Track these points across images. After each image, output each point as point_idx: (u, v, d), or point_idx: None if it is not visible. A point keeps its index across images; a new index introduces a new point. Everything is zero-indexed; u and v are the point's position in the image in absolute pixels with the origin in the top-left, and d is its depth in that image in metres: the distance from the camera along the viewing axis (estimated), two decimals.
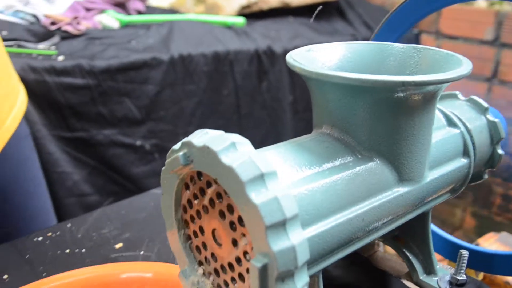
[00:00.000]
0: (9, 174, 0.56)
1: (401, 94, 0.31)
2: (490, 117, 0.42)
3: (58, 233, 0.56)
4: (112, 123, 1.05)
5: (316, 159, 0.31)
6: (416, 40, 1.68)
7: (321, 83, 0.33)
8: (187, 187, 0.32)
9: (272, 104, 1.35)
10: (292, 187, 0.29)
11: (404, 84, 0.29)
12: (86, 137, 1.02)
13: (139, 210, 0.60)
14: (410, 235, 0.42)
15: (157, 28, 1.28)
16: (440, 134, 0.38)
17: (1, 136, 0.54)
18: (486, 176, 0.44)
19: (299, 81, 1.38)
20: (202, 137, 0.29)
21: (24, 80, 0.91)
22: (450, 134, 0.38)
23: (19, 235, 0.57)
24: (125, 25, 1.32)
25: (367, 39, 1.49)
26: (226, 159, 0.27)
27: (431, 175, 0.36)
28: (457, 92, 0.44)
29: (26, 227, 0.60)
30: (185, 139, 0.30)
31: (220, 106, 1.24)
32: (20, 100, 0.61)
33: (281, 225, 0.25)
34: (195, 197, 0.31)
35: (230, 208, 0.29)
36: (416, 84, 0.29)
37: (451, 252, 0.54)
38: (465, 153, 0.39)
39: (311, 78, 0.32)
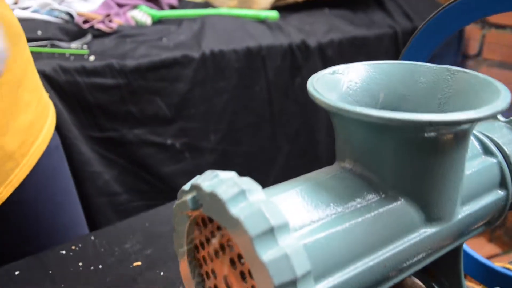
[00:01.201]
0: (39, 187, 0.57)
1: (429, 134, 0.28)
2: None
3: (80, 245, 0.56)
4: (142, 122, 1.05)
5: (335, 201, 0.29)
6: (460, 31, 1.60)
7: (343, 118, 0.31)
8: (199, 227, 0.30)
9: (306, 101, 1.32)
10: (307, 236, 0.27)
11: (431, 124, 0.26)
12: (117, 136, 1.02)
13: (164, 223, 0.59)
14: (440, 269, 0.39)
15: (188, 23, 1.26)
16: (474, 165, 0.35)
17: (33, 154, 0.54)
18: None
19: None
20: (211, 180, 0.27)
21: (55, 81, 0.92)
22: (485, 164, 0.35)
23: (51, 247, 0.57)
24: (157, 21, 1.31)
25: (408, 32, 1.44)
26: (234, 209, 0.25)
27: (463, 211, 0.33)
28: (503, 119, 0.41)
29: (58, 239, 0.60)
30: (194, 181, 0.29)
31: (251, 102, 1.22)
32: (50, 116, 0.60)
33: (292, 284, 0.24)
34: (207, 239, 0.30)
35: (241, 257, 0.27)
36: (445, 124, 0.26)
37: (486, 277, 0.50)
38: (503, 184, 0.36)
39: (331, 112, 0.30)
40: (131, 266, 0.51)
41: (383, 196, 0.30)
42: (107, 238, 0.57)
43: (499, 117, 0.41)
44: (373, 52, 1.41)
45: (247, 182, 0.26)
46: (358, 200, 0.30)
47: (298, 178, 0.31)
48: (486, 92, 0.31)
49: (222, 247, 0.28)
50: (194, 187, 0.28)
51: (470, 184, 0.34)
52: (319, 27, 1.36)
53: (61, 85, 0.92)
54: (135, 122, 1.04)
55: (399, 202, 0.30)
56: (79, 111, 0.96)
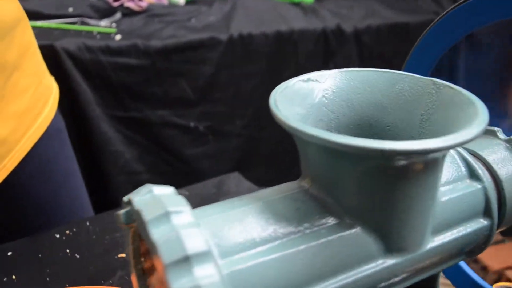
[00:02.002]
0: (36, 171, 0.57)
1: (390, 162, 0.25)
2: None
3: (75, 230, 0.57)
4: (166, 104, 1.05)
5: (279, 225, 0.27)
6: None
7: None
8: (140, 238, 0.29)
9: None
10: (237, 263, 0.25)
11: (383, 153, 0.23)
12: (140, 117, 1.03)
13: None
14: None
15: (220, 4, 1.24)
16: (454, 190, 0.32)
17: (29, 139, 0.55)
18: None
19: (370, 63, 1.28)
20: (143, 196, 0.26)
21: (79, 60, 0.93)
22: (468, 190, 0.32)
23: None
24: (191, 0, 1.30)
25: None
26: (154, 232, 0.23)
27: (435, 241, 0.30)
28: (496, 129, 0.37)
29: (57, 221, 0.61)
30: (131, 195, 0.27)
31: None
32: (51, 100, 0.61)
33: None
34: (148, 252, 0.29)
35: None
36: (400, 153, 0.23)
37: None
38: (487, 212, 0.32)
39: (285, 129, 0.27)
40: (116, 257, 0.51)
41: (337, 222, 0.28)
42: (101, 225, 0.57)
43: (499, 134, 0.37)
44: (415, 41, 1.33)
45: (176, 203, 0.25)
46: (307, 225, 0.27)
47: (247, 197, 0.29)
48: (466, 113, 0.28)
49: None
50: (128, 202, 0.27)
51: (446, 211, 0.31)
52: (356, 12, 1.30)
53: (85, 64, 0.93)
54: (158, 103, 1.04)
55: (354, 230, 0.28)
56: (102, 91, 0.97)
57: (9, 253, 0.53)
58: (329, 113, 0.33)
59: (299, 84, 0.32)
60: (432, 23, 0.42)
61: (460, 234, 0.31)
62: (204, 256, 0.23)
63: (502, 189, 0.33)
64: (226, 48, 1.08)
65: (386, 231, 0.28)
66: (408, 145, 0.23)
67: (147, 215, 0.24)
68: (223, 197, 0.60)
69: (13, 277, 0.49)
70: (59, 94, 0.65)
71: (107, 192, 1.04)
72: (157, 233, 0.23)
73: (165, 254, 0.23)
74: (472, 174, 0.33)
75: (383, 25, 1.27)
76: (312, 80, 0.33)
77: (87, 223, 0.57)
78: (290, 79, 0.33)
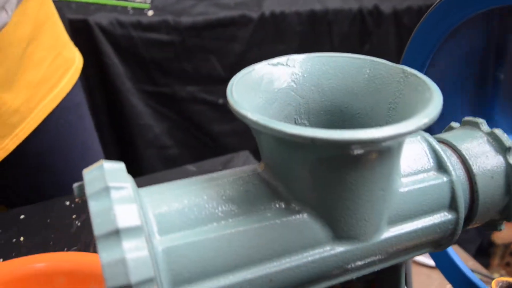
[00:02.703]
0: (49, 141, 0.60)
1: (332, 151, 0.25)
2: None
3: (72, 204, 0.59)
4: (195, 80, 1.07)
5: (225, 206, 0.28)
6: None
7: None
8: None
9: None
10: (175, 240, 0.26)
11: (313, 141, 0.23)
12: (169, 92, 1.05)
13: None
14: (381, 285, 0.36)
15: None
16: (417, 181, 0.31)
17: (42, 109, 0.58)
18: (502, 227, 0.35)
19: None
20: (92, 171, 0.27)
21: (111, 35, 0.95)
22: (432, 182, 0.31)
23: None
24: None
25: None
26: (92, 205, 0.25)
27: (391, 231, 0.30)
28: (480, 121, 0.35)
29: (69, 191, 0.64)
30: (85, 169, 0.29)
31: None
32: (71, 72, 0.63)
33: None
34: None
35: None
36: (332, 143, 0.23)
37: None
38: (452, 206, 0.31)
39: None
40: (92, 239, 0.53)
41: (284, 207, 0.28)
42: None
43: (482, 125, 0.35)
44: None
45: (120, 179, 0.26)
46: (253, 207, 0.28)
47: (199, 177, 0.30)
48: (423, 102, 0.27)
49: None
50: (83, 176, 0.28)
51: (406, 203, 0.30)
52: None
53: (117, 38, 0.96)
54: (188, 79, 1.06)
55: (301, 215, 0.28)
56: (133, 65, 1.00)
57: (22, 217, 0.57)
58: (298, 98, 0.33)
59: (267, 68, 0.32)
60: (430, 9, 0.41)
61: (420, 226, 0.31)
62: (135, 231, 0.24)
63: (475, 183, 0.32)
64: (257, 26, 1.07)
65: (333, 218, 0.28)
66: (340, 135, 0.23)
67: (89, 189, 0.26)
68: None
69: (21, 239, 0.52)
70: (83, 67, 0.67)
71: (137, 166, 1.07)
72: (94, 206, 0.25)
73: (97, 226, 0.24)
74: (440, 166, 0.32)
75: (425, 6, 1.22)
76: (282, 64, 0.33)
77: None
78: (258, 63, 0.33)
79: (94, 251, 0.49)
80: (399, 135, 0.23)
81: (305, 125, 0.34)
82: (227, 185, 0.29)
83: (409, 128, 0.24)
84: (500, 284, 0.53)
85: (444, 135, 0.35)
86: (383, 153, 0.26)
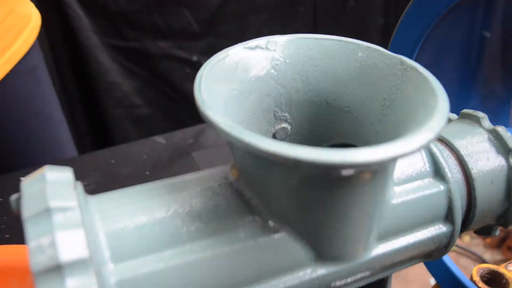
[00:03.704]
0: (2, 111, 0.54)
1: (318, 171, 0.21)
2: None
3: None
4: (167, 35, 0.99)
5: (191, 225, 0.23)
6: None
7: None
8: None
9: (357, 28, 1.19)
10: (134, 269, 0.22)
11: (297, 163, 0.19)
12: (139, 47, 0.98)
13: (128, 162, 0.56)
14: None
15: None
16: (411, 191, 0.27)
17: (1, 68, 0.51)
18: (497, 233, 0.33)
19: (394, 2, 1.18)
20: (32, 185, 0.23)
21: None
22: (428, 191, 0.27)
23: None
24: None
25: None
26: (29, 232, 0.20)
27: (381, 248, 0.27)
28: (481, 115, 0.32)
29: (30, 163, 0.59)
30: (25, 178, 0.24)
31: (293, 25, 1.12)
32: (24, 35, 0.56)
33: None
34: None
35: None
36: (318, 166, 0.19)
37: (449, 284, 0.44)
38: (448, 218, 0.28)
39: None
40: None
41: (259, 224, 0.24)
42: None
43: (484, 121, 0.31)
44: None
45: (64, 195, 0.22)
46: (222, 226, 0.24)
47: (161, 185, 0.25)
48: (425, 109, 0.23)
49: None
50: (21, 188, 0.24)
51: (398, 216, 0.27)
52: None
53: None
54: (159, 34, 0.99)
55: (279, 235, 0.24)
56: (99, 18, 0.92)
57: None
58: (279, 88, 0.29)
59: (243, 52, 0.28)
60: None
61: (412, 241, 0.27)
62: (81, 264, 0.20)
63: (473, 189, 0.29)
64: None
65: (317, 238, 0.24)
66: (329, 157, 0.19)
67: (27, 210, 0.21)
68: (198, 151, 0.56)
69: None
70: (43, 20, 0.61)
71: (105, 126, 1.02)
72: (31, 234, 0.20)
73: (35, 261, 0.20)
74: (437, 172, 0.28)
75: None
76: (261, 48, 0.28)
77: None
78: (232, 46, 0.28)
79: None
80: (398, 156, 0.19)
81: (285, 118, 0.30)
82: (193, 197, 0.24)
83: (411, 147, 0.20)
84: (481, 271, 0.51)
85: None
86: (377, 171, 0.22)
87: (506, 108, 0.50)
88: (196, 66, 1.05)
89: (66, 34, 0.90)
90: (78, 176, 0.53)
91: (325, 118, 0.30)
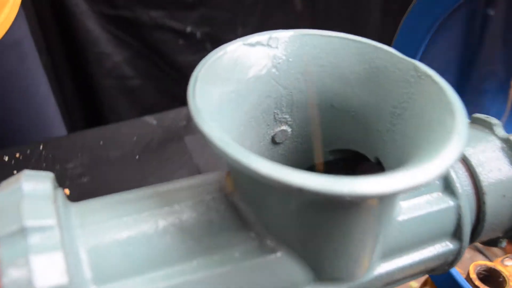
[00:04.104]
0: None
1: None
2: None
3: (28, 152, 0.52)
4: (160, 4, 0.95)
5: (182, 244, 0.22)
6: None
7: None
8: None
9: (357, 0, 1.15)
10: None
11: (301, 191, 0.17)
12: (131, 16, 0.94)
13: (117, 144, 0.54)
14: None
15: None
16: (419, 206, 0.25)
17: None
18: (503, 245, 0.31)
19: None
20: (6, 197, 0.21)
21: None
22: (436, 207, 0.26)
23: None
24: None
25: None
26: (4, 253, 0.18)
27: (384, 267, 0.25)
28: (494, 122, 0.30)
29: (16, 141, 0.56)
30: (1, 185, 0.22)
31: None
32: (11, 3, 0.52)
33: None
34: None
35: None
36: (325, 196, 0.17)
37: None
38: (456, 234, 0.26)
39: None
40: None
41: (257, 244, 0.22)
42: (56, 151, 0.53)
43: (497, 128, 0.29)
44: None
45: (43, 211, 0.20)
46: (215, 245, 0.22)
47: (148, 195, 0.23)
48: (441, 127, 0.21)
49: None
50: None
51: (403, 233, 0.25)
52: None
53: None
54: (152, 2, 0.94)
55: (277, 255, 0.22)
56: None
57: None
58: (280, 89, 0.26)
59: (242, 49, 0.25)
60: None
61: (418, 259, 0.26)
62: None
63: (484, 203, 0.27)
64: None
65: (316, 259, 0.23)
66: (337, 186, 0.17)
67: (0, 228, 0.19)
68: (190, 135, 0.54)
69: None
70: None
71: (94, 98, 0.98)
72: (5, 257, 0.18)
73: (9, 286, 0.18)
74: (447, 186, 0.26)
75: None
76: (262, 45, 0.26)
77: (41, 147, 0.53)
78: (231, 42, 0.25)
79: None
80: (411, 188, 0.17)
81: (286, 120, 0.28)
82: (185, 212, 0.22)
83: (426, 178, 0.18)
84: (478, 268, 0.50)
85: None
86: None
87: (505, 88, 0.48)
88: (190, 38, 1.01)
89: (53, 2, 0.86)
90: (64, 158, 0.50)
91: (329, 121, 0.28)
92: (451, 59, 0.50)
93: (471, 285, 0.48)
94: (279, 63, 0.26)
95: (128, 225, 0.22)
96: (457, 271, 0.42)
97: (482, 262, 0.51)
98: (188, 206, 0.23)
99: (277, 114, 0.27)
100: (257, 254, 0.22)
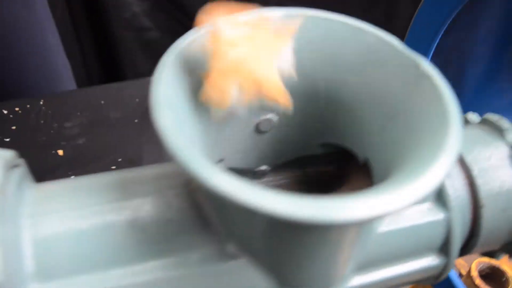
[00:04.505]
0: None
1: None
2: None
3: (28, 106, 0.51)
4: None
5: (136, 243, 0.20)
6: None
7: None
8: None
9: None
10: None
11: (273, 217, 0.15)
12: None
13: (119, 105, 0.52)
14: None
15: None
16: (404, 217, 0.23)
17: None
18: (500, 258, 0.29)
19: None
20: None
21: None
22: (423, 220, 0.23)
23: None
24: None
25: None
26: None
27: (358, 279, 0.23)
28: (505, 126, 0.27)
29: (21, 93, 0.55)
30: None
31: None
32: None
33: None
34: None
35: None
36: (295, 222, 0.15)
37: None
38: (443, 249, 0.24)
39: None
40: (53, 152, 0.46)
41: (217, 247, 0.21)
42: (56, 108, 0.52)
43: (508, 134, 0.26)
44: None
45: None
46: (172, 247, 0.20)
47: (107, 188, 0.22)
48: (433, 138, 0.18)
49: None
50: None
51: (382, 246, 0.23)
52: None
53: None
54: None
55: (238, 262, 0.21)
56: None
57: None
58: None
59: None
60: None
61: (397, 273, 0.24)
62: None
63: (480, 216, 0.25)
64: None
65: (280, 271, 0.21)
66: (311, 214, 0.15)
67: None
68: None
69: None
70: None
71: (112, 50, 0.96)
72: None
73: None
74: (440, 197, 0.24)
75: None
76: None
77: (41, 103, 0.52)
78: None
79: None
80: (389, 213, 0.15)
81: (272, 108, 0.25)
82: (143, 208, 0.21)
83: (406, 202, 0.15)
84: (481, 265, 0.48)
85: None
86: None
87: None
88: None
89: None
90: (63, 116, 0.49)
91: (319, 113, 0.25)
92: (482, 61, 0.45)
93: (471, 284, 0.46)
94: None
95: (82, 218, 0.20)
96: (453, 272, 0.40)
97: (486, 259, 0.49)
98: (148, 202, 0.21)
99: (262, 101, 0.25)
100: (217, 259, 0.20)
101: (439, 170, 0.16)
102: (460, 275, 0.51)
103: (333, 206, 0.15)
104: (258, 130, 0.26)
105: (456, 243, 0.24)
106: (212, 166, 0.16)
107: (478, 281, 0.46)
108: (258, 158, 0.27)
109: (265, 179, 0.29)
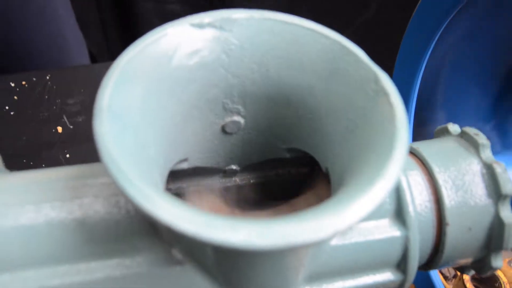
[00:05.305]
0: (4, 7, 0.50)
1: None
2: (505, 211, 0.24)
3: (34, 79, 0.52)
4: None
5: (82, 242, 0.20)
6: None
7: None
8: None
9: None
10: None
11: (213, 245, 0.15)
12: None
13: None
14: None
15: None
16: (359, 231, 0.23)
17: None
18: (470, 274, 0.28)
19: None
20: None
21: None
22: (380, 236, 0.23)
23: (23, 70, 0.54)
24: None
25: None
26: None
27: None
28: (481, 141, 0.25)
29: (32, 64, 0.56)
30: None
31: None
32: None
33: None
34: None
35: None
36: (216, 245, 0.15)
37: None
38: (401, 267, 0.24)
39: None
40: (53, 130, 0.47)
41: (163, 251, 0.21)
42: (61, 83, 0.52)
43: (483, 150, 0.25)
44: None
45: None
46: (118, 247, 0.21)
47: (65, 182, 0.22)
48: (379, 157, 0.18)
49: None
50: None
51: (335, 259, 0.23)
52: None
53: None
54: None
55: (183, 267, 0.21)
56: None
57: None
58: (229, 78, 0.23)
59: (187, 31, 0.22)
60: None
61: (352, 286, 0.23)
62: None
63: (444, 234, 0.24)
64: None
65: (226, 280, 0.21)
66: (250, 242, 0.15)
67: None
68: None
69: None
70: None
71: (131, 22, 0.96)
72: None
73: None
74: (399, 214, 0.23)
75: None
76: (212, 27, 0.23)
77: (48, 77, 0.52)
78: (174, 22, 0.22)
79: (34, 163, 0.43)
80: (314, 243, 0.15)
81: (238, 110, 0.25)
82: (92, 208, 0.21)
83: (343, 225, 0.15)
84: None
85: (426, 149, 0.26)
86: None
87: None
88: None
89: None
90: (67, 92, 0.50)
91: (285, 119, 0.25)
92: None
93: (462, 287, 0.45)
94: (230, 49, 0.23)
95: (32, 213, 0.21)
96: (436, 272, 0.40)
97: None
98: (98, 201, 0.21)
99: (227, 104, 0.24)
100: (163, 263, 0.21)
101: (370, 200, 0.16)
102: (454, 276, 0.50)
103: (259, 232, 0.15)
104: (224, 131, 0.25)
105: (413, 260, 0.23)
106: (140, 181, 0.16)
107: (469, 285, 0.45)
108: (227, 158, 0.27)
109: (235, 178, 0.28)
